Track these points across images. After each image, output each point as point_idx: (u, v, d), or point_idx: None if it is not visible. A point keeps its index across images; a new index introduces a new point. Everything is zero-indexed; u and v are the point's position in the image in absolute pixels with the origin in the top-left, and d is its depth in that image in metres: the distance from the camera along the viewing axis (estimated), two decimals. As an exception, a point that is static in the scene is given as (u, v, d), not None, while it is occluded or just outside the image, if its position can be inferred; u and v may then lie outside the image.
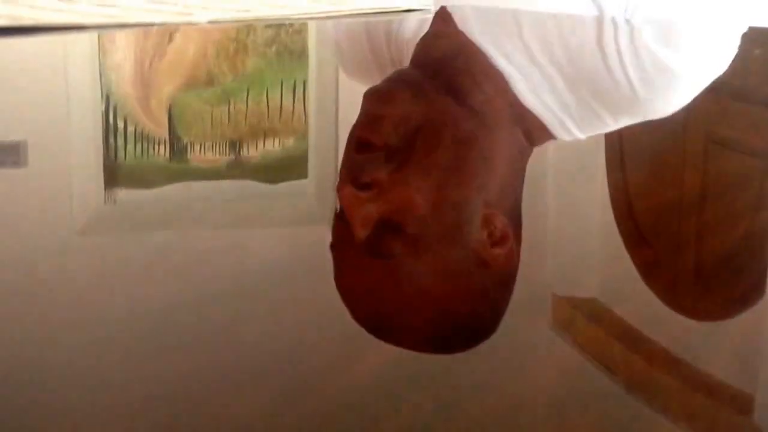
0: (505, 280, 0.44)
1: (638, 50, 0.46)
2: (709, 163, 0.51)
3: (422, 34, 0.51)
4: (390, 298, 0.42)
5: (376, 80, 0.50)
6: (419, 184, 0.44)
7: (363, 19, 0.86)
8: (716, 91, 0.62)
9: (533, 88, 0.48)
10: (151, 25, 0.72)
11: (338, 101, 0.65)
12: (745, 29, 0.50)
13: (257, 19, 0.80)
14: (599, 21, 0.46)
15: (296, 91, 0.65)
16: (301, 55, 0.81)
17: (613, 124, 0.49)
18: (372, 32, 0.58)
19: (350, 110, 0.63)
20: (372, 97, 0.48)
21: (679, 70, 0.48)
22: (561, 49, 0.47)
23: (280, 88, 0.64)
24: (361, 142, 0.45)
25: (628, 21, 0.46)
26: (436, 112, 0.47)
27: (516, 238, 0.45)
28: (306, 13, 0.84)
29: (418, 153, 0.45)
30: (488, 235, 0.44)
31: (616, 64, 0.47)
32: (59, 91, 0.65)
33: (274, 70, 0.73)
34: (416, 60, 0.51)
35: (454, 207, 0.44)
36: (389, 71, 0.52)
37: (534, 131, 0.49)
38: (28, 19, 0.68)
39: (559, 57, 0.47)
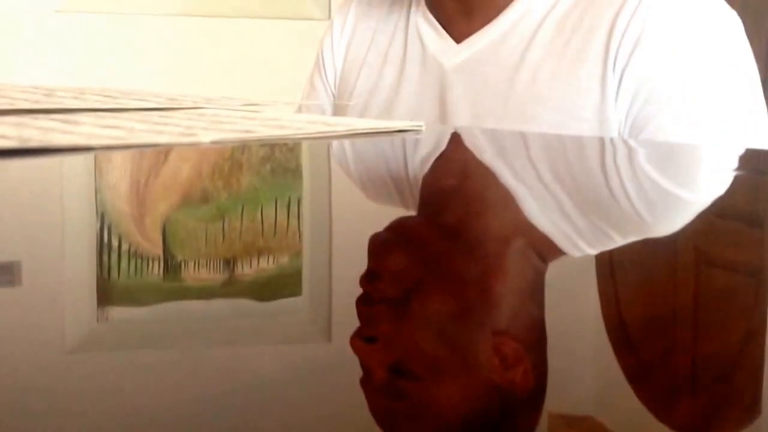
0: (527, 398, 0.44)
1: (636, 173, 0.47)
2: (700, 278, 0.52)
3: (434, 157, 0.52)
4: (417, 429, 0.42)
5: (396, 200, 0.51)
6: (422, 332, 0.45)
7: (360, 139, 0.88)
8: (705, 210, 0.62)
9: (542, 206, 0.48)
10: (156, 145, 0.74)
11: (332, 218, 0.66)
12: (742, 151, 0.51)
13: (258, 140, 0.82)
14: (601, 142, 0.47)
15: (290, 207, 0.66)
16: (295, 172, 0.82)
17: (623, 241, 0.50)
18: (391, 163, 0.60)
19: (343, 227, 0.64)
20: (372, 249, 0.49)
21: (681, 193, 0.49)
22: (567, 169, 0.48)
23: (274, 205, 0.64)
24: (364, 294, 0.47)
25: (626, 143, 0.47)
26: (433, 261, 0.48)
27: (536, 354, 0.45)
28: (304, 134, 0.87)
29: (418, 302, 0.46)
30: (501, 361, 0.44)
31: (617, 186, 0.47)
32: (54, 211, 0.65)
33: (269, 188, 0.74)
34: (425, 183, 0.52)
35: (460, 347, 0.45)
36: (407, 195, 0.53)
37: (545, 249, 0.49)
38: (36, 141, 0.70)
39: (564, 177, 0.48)
